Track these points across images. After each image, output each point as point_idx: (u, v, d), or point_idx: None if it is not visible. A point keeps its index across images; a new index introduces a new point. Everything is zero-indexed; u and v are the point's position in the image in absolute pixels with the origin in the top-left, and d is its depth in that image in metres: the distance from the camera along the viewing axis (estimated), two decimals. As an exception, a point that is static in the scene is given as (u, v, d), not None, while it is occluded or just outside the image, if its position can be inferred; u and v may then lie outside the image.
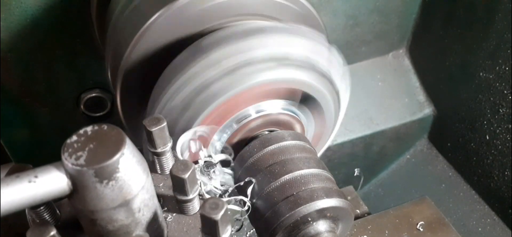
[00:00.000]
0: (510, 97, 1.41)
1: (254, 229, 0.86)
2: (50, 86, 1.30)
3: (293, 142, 0.88)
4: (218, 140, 0.90)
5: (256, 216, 0.83)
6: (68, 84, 1.32)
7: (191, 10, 0.86)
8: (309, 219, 0.78)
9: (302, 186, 0.80)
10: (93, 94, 1.35)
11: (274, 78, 0.84)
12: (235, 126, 0.89)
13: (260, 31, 0.85)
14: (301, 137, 0.92)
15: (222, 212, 0.55)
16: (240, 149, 0.90)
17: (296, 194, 0.79)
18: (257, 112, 0.89)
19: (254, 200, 0.84)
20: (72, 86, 1.33)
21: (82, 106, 1.36)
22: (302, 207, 0.77)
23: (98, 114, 1.39)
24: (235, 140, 0.92)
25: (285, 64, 0.84)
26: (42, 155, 1.41)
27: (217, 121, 0.86)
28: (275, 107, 0.90)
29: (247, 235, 0.86)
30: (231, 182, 0.87)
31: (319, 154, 1.07)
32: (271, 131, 0.93)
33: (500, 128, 1.48)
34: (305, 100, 0.92)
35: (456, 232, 1.05)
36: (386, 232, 1.04)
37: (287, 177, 0.82)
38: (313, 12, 0.99)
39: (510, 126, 1.44)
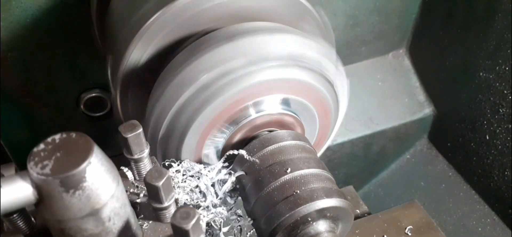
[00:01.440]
0: (510, 97, 1.41)
1: (254, 229, 0.86)
2: (50, 86, 1.30)
3: (293, 142, 0.88)
4: (218, 140, 0.91)
5: (256, 216, 0.83)
6: (68, 84, 1.31)
7: (191, 10, 0.86)
8: (309, 219, 0.78)
9: (302, 186, 0.80)
10: (93, 94, 1.35)
11: (275, 77, 0.83)
12: (235, 126, 0.89)
13: (260, 30, 0.85)
14: (301, 137, 0.92)
15: (193, 221, 0.53)
16: (240, 148, 0.90)
17: (296, 194, 0.78)
18: (257, 112, 0.89)
19: (254, 200, 0.84)
20: (72, 86, 1.32)
21: (82, 106, 1.36)
22: (302, 207, 0.77)
23: (98, 114, 1.39)
24: (235, 139, 0.91)
25: (287, 64, 0.84)
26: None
27: (217, 120, 0.86)
28: (275, 107, 0.90)
29: (247, 236, 0.86)
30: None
31: (319, 154, 1.07)
32: (271, 131, 0.93)
33: (500, 128, 1.48)
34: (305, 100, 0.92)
35: (444, 236, 1.04)
36: (374, 236, 1.03)
37: (287, 177, 0.82)
38: (313, 12, 0.99)
39: (510, 125, 1.44)
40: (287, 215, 0.77)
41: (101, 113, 1.39)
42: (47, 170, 0.50)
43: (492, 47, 1.44)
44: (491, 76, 1.47)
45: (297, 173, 0.82)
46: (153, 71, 0.89)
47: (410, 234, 1.04)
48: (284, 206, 0.78)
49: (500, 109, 1.46)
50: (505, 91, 1.43)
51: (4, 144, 1.35)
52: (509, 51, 1.37)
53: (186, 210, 0.54)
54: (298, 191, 0.79)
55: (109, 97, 1.36)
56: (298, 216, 0.77)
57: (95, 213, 0.54)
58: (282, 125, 0.94)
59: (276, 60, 0.83)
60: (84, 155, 0.52)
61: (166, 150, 0.87)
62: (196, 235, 0.55)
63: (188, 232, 0.53)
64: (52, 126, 1.38)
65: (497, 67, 1.43)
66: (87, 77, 1.32)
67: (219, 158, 0.92)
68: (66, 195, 0.51)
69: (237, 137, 0.91)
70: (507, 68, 1.40)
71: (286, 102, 0.91)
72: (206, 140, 0.88)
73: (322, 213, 0.79)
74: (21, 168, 1.20)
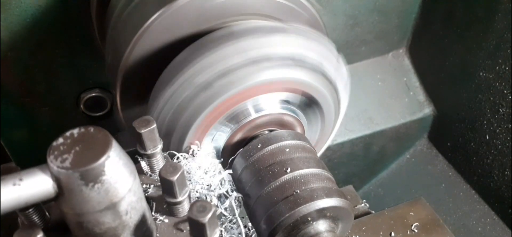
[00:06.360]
0: (510, 97, 1.41)
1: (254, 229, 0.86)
2: (50, 86, 1.30)
3: (293, 142, 0.88)
4: (219, 140, 0.91)
5: (256, 215, 0.83)
6: (68, 84, 1.32)
7: (191, 9, 0.86)
8: (309, 219, 0.78)
9: (302, 185, 0.80)
10: (93, 94, 1.35)
11: (275, 78, 0.83)
12: (235, 126, 0.89)
13: (260, 30, 0.85)
14: (301, 136, 0.92)
15: (209, 215, 0.54)
16: (240, 148, 0.90)
17: (296, 194, 0.78)
18: (257, 112, 0.89)
19: (254, 200, 0.84)
20: (72, 86, 1.33)
21: (82, 106, 1.36)
22: (302, 206, 0.77)
23: (98, 114, 1.39)
24: (235, 139, 0.92)
25: (286, 64, 0.84)
26: (42, 155, 1.41)
27: (218, 120, 0.86)
28: (275, 107, 0.90)
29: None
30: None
31: (319, 154, 1.07)
32: (271, 131, 0.93)
33: (500, 128, 1.48)
34: (306, 100, 0.92)
35: (450, 233, 1.04)
36: (381, 233, 1.03)
37: (287, 176, 0.82)
38: (314, 12, 0.99)
39: (510, 125, 1.44)
40: (287, 214, 0.77)
41: (101, 113, 1.39)
42: (67, 163, 0.51)
43: (492, 47, 1.44)
44: (491, 76, 1.47)
45: (297, 172, 0.82)
46: (154, 70, 0.89)
47: (416, 231, 1.04)
48: (284, 205, 0.78)
49: (500, 109, 1.46)
50: (505, 91, 1.43)
51: (4, 144, 1.35)
52: (509, 51, 1.37)
53: (203, 204, 0.55)
54: (298, 191, 0.79)
55: (109, 97, 1.36)
56: (298, 216, 0.77)
57: (113, 206, 0.55)
58: (282, 125, 0.94)
59: (276, 60, 0.83)
60: (103, 149, 0.52)
61: (166, 150, 0.87)
62: (212, 229, 0.55)
63: (205, 225, 0.54)
64: (52, 126, 1.38)
65: (497, 67, 1.43)
66: (87, 77, 1.32)
67: (219, 157, 0.92)
68: (85, 188, 0.52)
69: (237, 137, 0.91)
70: (507, 68, 1.40)
71: (286, 102, 0.91)
72: (207, 139, 0.88)
73: (322, 213, 0.79)
74: (21, 168, 1.20)
